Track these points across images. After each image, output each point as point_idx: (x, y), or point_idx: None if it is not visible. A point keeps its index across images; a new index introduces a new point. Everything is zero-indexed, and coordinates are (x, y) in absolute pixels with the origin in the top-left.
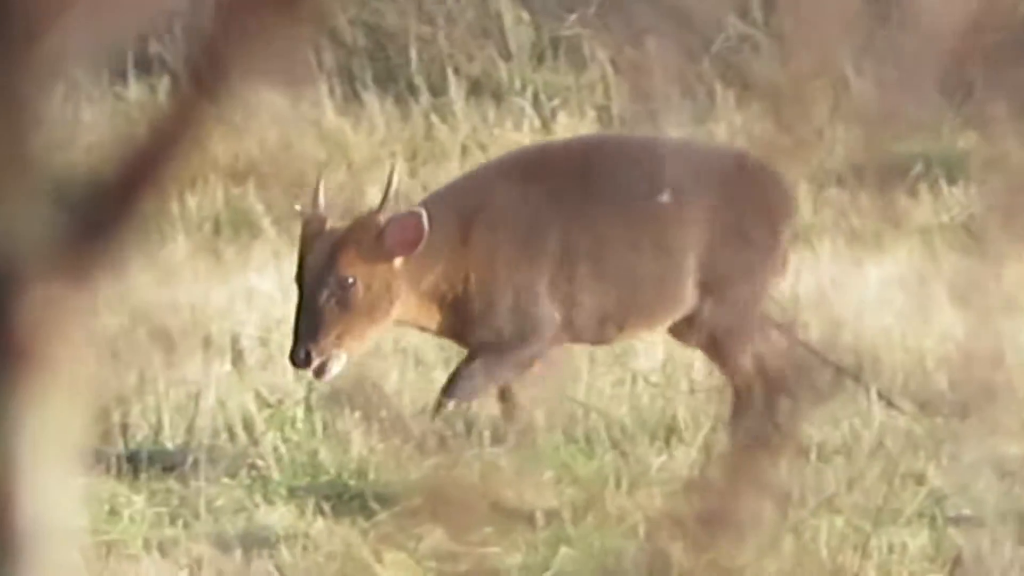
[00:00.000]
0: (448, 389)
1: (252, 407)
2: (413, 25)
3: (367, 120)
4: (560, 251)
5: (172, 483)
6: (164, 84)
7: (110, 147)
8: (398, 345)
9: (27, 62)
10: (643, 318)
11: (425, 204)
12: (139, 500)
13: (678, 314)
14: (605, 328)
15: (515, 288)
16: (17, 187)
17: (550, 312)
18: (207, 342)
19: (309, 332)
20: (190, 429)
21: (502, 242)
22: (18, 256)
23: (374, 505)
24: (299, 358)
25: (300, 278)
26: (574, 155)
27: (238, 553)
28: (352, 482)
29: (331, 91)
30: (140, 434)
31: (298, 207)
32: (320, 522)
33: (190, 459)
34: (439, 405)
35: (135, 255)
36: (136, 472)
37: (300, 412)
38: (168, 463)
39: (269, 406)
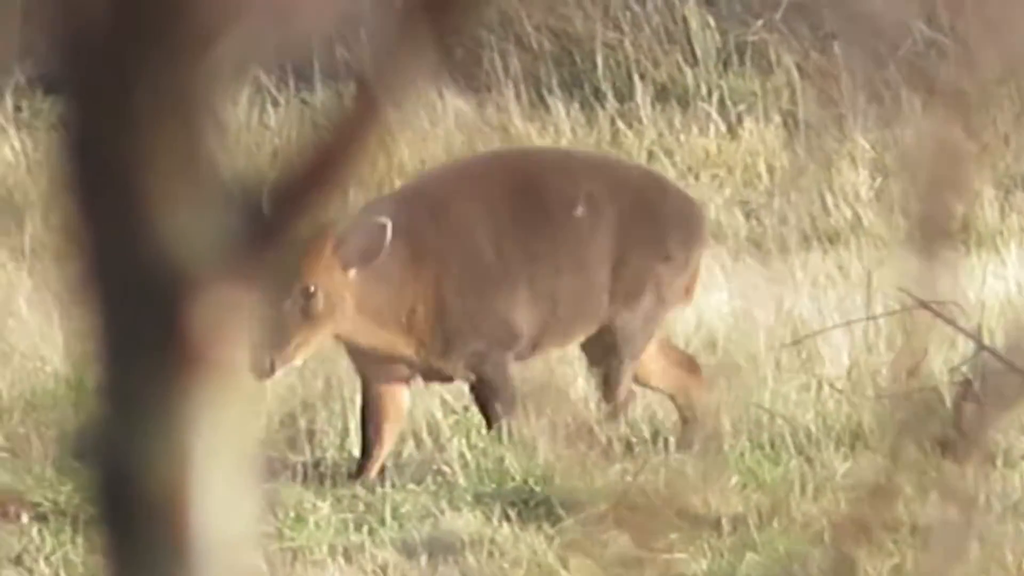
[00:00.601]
0: (491, 420)
1: (438, 413)
2: (599, 30)
3: (553, 125)
4: (500, 268)
5: (358, 489)
6: (350, 89)
7: (294, 151)
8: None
9: (205, 65)
10: (559, 336)
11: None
12: (325, 506)
13: (592, 329)
14: (523, 347)
15: (471, 309)
16: (193, 191)
17: (508, 327)
18: None
19: (273, 341)
20: None
21: (451, 263)
22: (194, 260)
23: (560, 511)
24: (263, 367)
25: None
26: (500, 170)
27: (423, 559)
28: (538, 488)
29: (517, 96)
30: (326, 440)
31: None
32: (506, 528)
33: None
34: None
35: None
36: (322, 478)
37: None
38: (353, 469)
39: (455, 412)
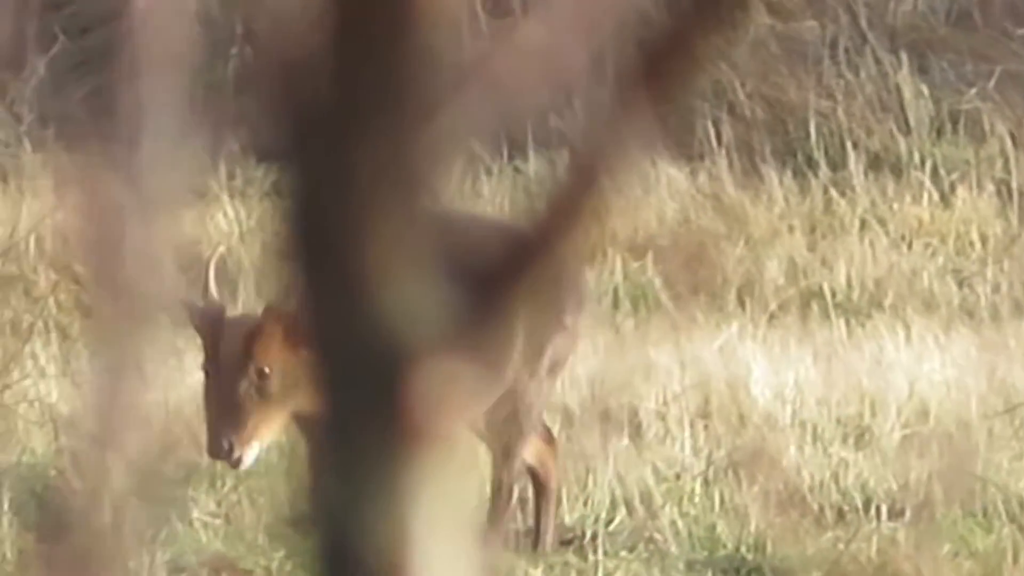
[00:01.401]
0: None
1: (650, 481)
2: (812, 99)
3: (767, 194)
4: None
5: (570, 556)
6: (563, 158)
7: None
8: (796, 418)
9: (423, 138)
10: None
11: None
12: (537, 573)
13: (497, 396)
14: None
15: None
16: (412, 262)
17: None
18: (605, 416)
19: (230, 424)
20: (588, 503)
21: None
22: (414, 332)
23: None
24: (220, 450)
25: (211, 367)
26: None
27: None
28: (750, 556)
29: (730, 164)
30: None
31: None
32: None
33: (588, 532)
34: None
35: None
36: (534, 546)
37: (698, 486)
38: (566, 537)
39: (667, 480)
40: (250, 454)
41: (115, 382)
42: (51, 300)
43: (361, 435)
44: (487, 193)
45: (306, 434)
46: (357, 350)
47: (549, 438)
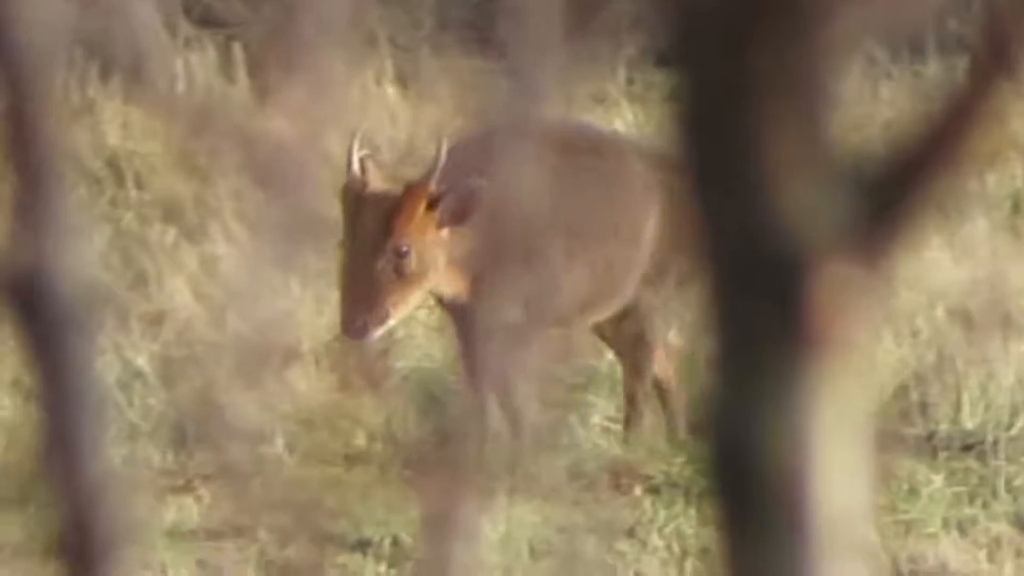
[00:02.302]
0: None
1: None
2: None
3: None
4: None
5: (971, 462)
6: (963, 62)
7: (907, 125)
8: None
9: (820, 40)
10: (595, 309)
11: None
12: (938, 479)
13: (618, 308)
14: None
15: (536, 266)
16: (810, 166)
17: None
18: (1006, 320)
19: (365, 302)
20: (989, 408)
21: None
22: (812, 239)
23: None
24: (354, 328)
25: (349, 244)
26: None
27: None
28: None
29: None
30: (939, 413)
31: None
32: None
33: (989, 438)
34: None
35: (933, 234)
36: (935, 451)
37: None
38: (967, 442)
39: None
40: (379, 330)
41: None
42: None
43: (759, 341)
44: (885, 97)
45: (450, 316)
46: (755, 256)
47: (669, 346)
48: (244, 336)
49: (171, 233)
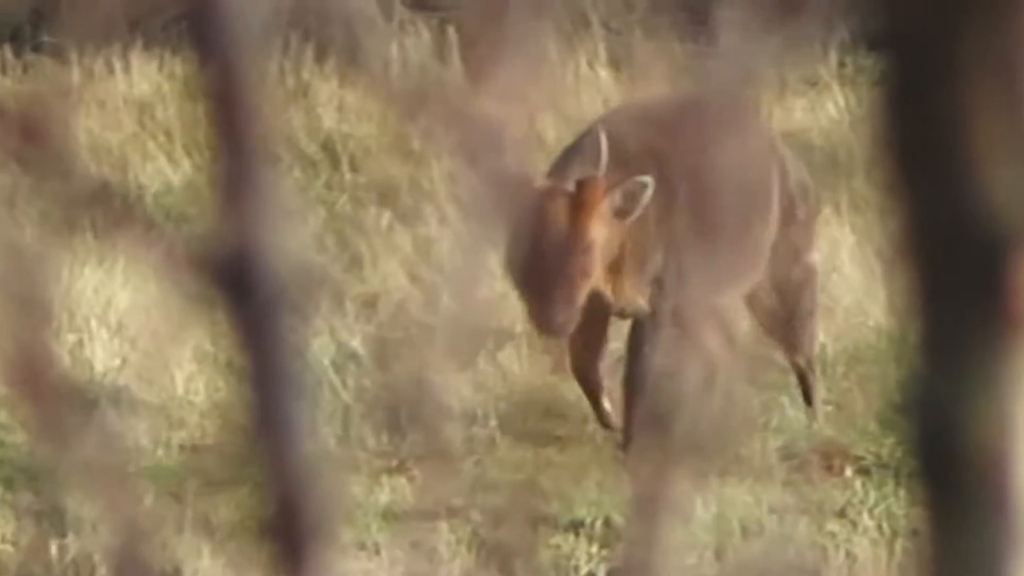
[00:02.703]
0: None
1: None
2: None
3: None
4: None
5: None
6: None
7: None
8: None
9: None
10: (735, 284)
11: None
12: None
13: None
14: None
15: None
16: (1016, 147)
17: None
18: None
19: (565, 300)
20: None
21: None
22: (1016, 222)
23: None
24: (557, 326)
25: (536, 242)
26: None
27: None
28: None
29: None
30: None
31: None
32: None
33: None
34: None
35: None
36: None
37: None
38: None
39: None
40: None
41: None
42: None
43: (961, 324)
44: None
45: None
46: (959, 234)
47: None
48: (458, 318)
49: (385, 216)
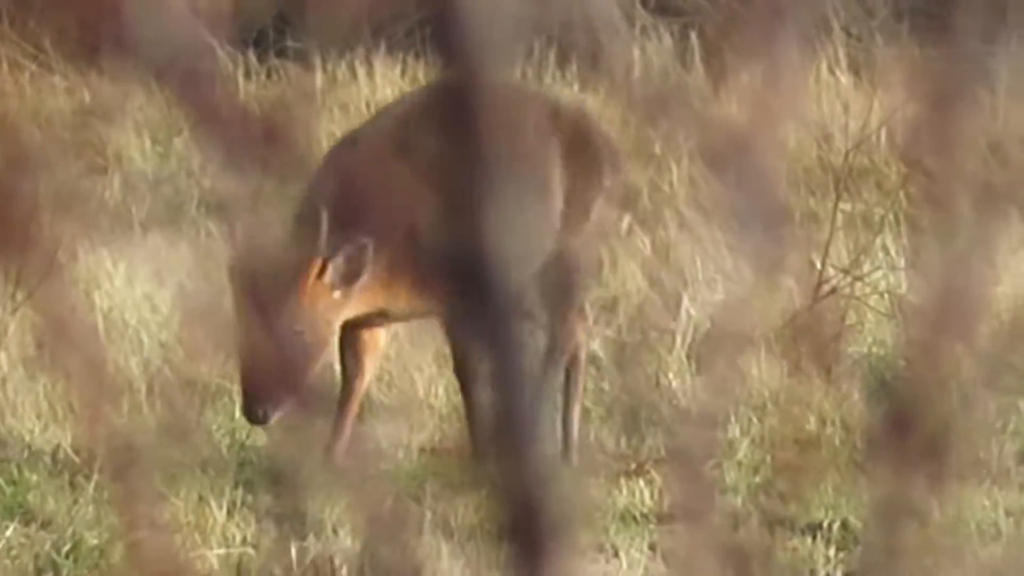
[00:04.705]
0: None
1: None
2: None
3: None
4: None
5: None
6: None
7: None
8: None
9: None
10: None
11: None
12: None
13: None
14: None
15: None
16: None
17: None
18: None
19: (264, 390)
20: None
21: (415, 214)
22: None
23: None
24: (258, 417)
25: (241, 328)
26: (444, 103)
27: None
28: None
29: None
30: None
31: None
32: None
33: None
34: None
35: None
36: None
37: None
38: None
39: None
40: (286, 410)
41: (963, 273)
42: (901, 193)
43: None
44: None
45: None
46: None
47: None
48: (697, 322)
49: (626, 219)
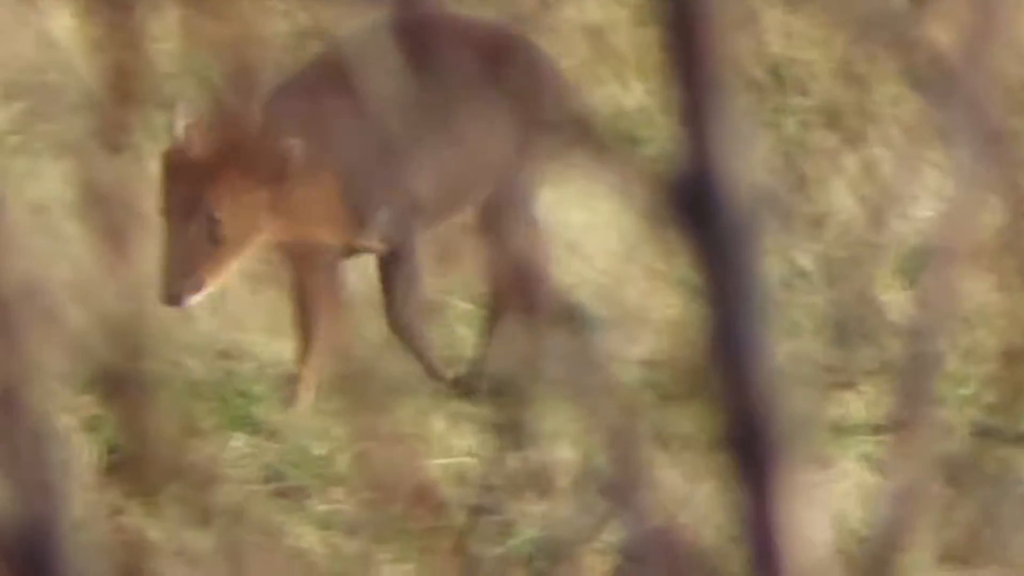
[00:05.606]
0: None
1: None
2: None
3: None
4: (397, 136)
5: None
6: None
7: None
8: None
9: None
10: (461, 201)
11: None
12: None
13: (488, 193)
14: (428, 214)
15: (375, 180)
16: None
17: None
18: None
19: (180, 270)
20: None
21: (347, 142)
22: None
23: None
24: (170, 296)
25: (165, 212)
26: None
27: None
28: None
29: None
30: None
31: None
32: None
33: None
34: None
35: None
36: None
37: None
38: None
39: None
40: (196, 296)
41: None
42: None
43: None
44: None
45: (291, 264)
46: None
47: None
48: (903, 237)
49: (832, 138)
